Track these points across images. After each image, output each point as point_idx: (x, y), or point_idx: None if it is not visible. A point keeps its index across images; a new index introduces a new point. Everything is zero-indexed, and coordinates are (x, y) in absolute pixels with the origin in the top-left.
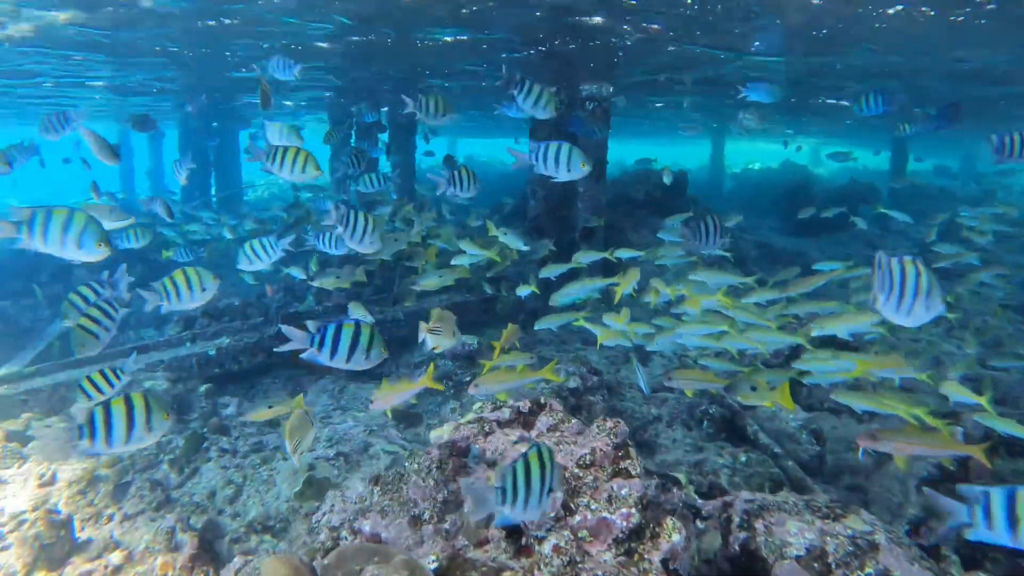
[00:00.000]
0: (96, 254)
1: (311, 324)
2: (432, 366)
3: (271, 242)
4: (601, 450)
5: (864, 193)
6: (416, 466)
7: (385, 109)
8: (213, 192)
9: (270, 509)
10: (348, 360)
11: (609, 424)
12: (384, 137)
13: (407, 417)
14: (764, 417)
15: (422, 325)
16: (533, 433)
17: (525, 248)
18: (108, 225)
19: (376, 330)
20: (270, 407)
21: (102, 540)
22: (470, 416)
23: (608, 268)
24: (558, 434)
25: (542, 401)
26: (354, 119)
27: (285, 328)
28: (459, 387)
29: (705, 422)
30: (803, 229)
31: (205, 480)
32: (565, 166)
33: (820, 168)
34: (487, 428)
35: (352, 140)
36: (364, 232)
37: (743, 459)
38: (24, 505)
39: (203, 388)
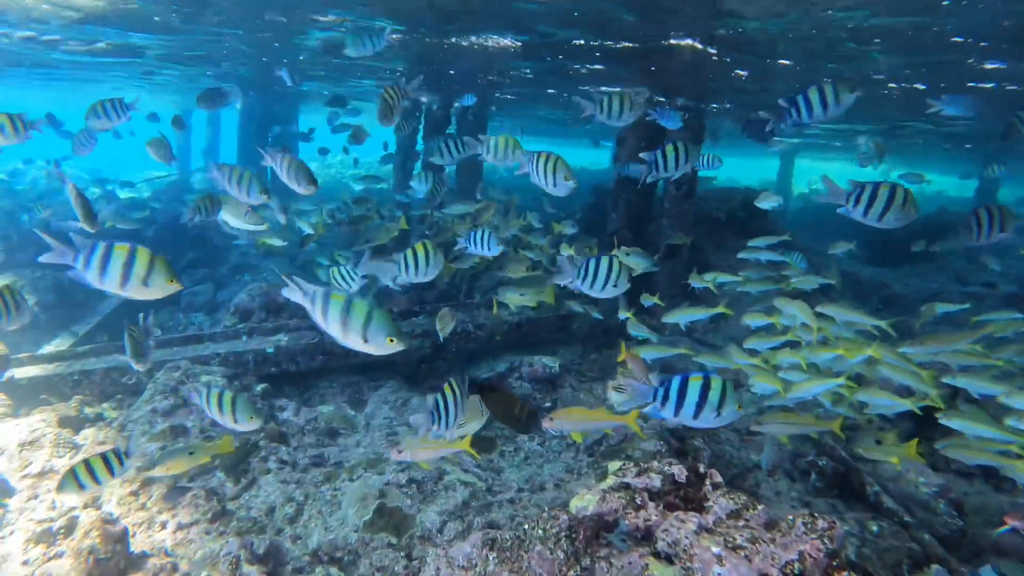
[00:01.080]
0: (165, 291)
1: (80, 239)
2: (470, 435)
3: (349, 272)
4: (811, 556)
5: (955, 224)
6: (541, 532)
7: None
8: (269, 177)
9: (336, 537)
10: (122, 285)
11: (821, 524)
12: (450, 130)
13: (478, 440)
14: (886, 477)
15: None
16: (709, 519)
17: (653, 268)
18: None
19: (158, 257)
20: (191, 453)
21: (158, 558)
22: (611, 481)
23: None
24: (743, 524)
25: (701, 470)
26: (423, 109)
27: (41, 233)
28: (537, 413)
29: (812, 474)
30: (886, 259)
31: (263, 494)
32: (552, 180)
33: None
34: (638, 500)
35: (420, 132)
36: (487, 241)
37: (874, 529)
38: (76, 500)
39: (259, 388)
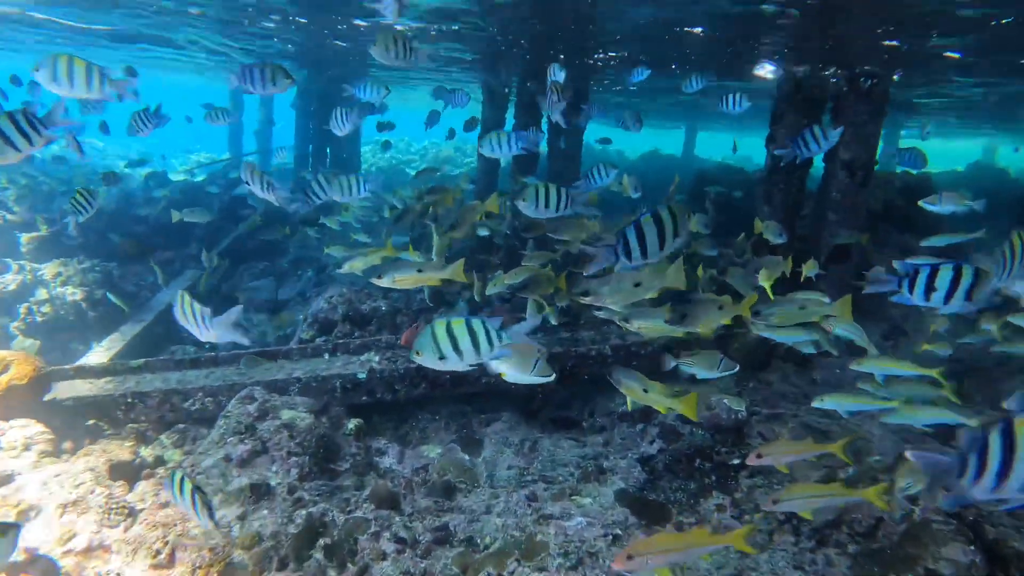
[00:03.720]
0: None
1: None
2: None
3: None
4: None
5: None
6: None
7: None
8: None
9: None
10: None
11: None
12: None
13: (647, 508)
14: None
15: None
16: None
17: (781, 240)
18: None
19: None
20: None
21: None
22: None
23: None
24: None
25: None
26: (512, 89)
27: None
28: (722, 472)
29: None
30: None
31: None
32: None
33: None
34: None
35: (510, 119)
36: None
37: None
38: None
39: (352, 425)
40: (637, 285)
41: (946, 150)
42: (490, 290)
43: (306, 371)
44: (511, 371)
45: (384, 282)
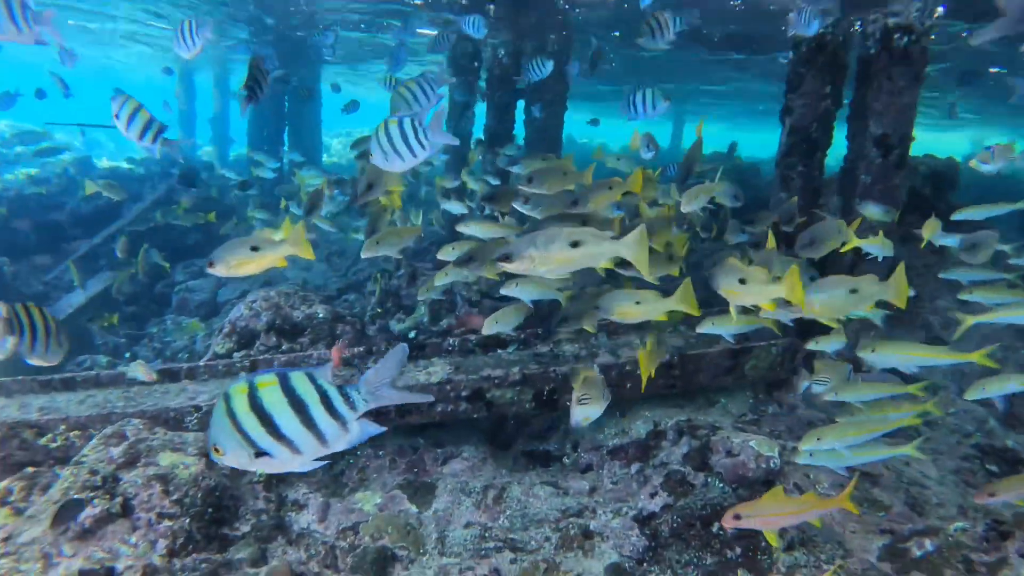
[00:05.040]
0: None
1: None
2: None
3: None
4: None
5: None
6: None
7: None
8: (286, 148)
9: None
10: None
11: None
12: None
13: None
14: None
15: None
16: None
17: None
18: None
19: None
20: None
21: None
22: None
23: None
24: None
25: None
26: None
27: None
28: (749, 543)
29: None
30: None
31: None
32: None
33: None
34: None
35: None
36: None
37: None
38: None
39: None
40: (574, 245)
41: (936, 145)
42: (423, 295)
43: (212, 395)
44: None
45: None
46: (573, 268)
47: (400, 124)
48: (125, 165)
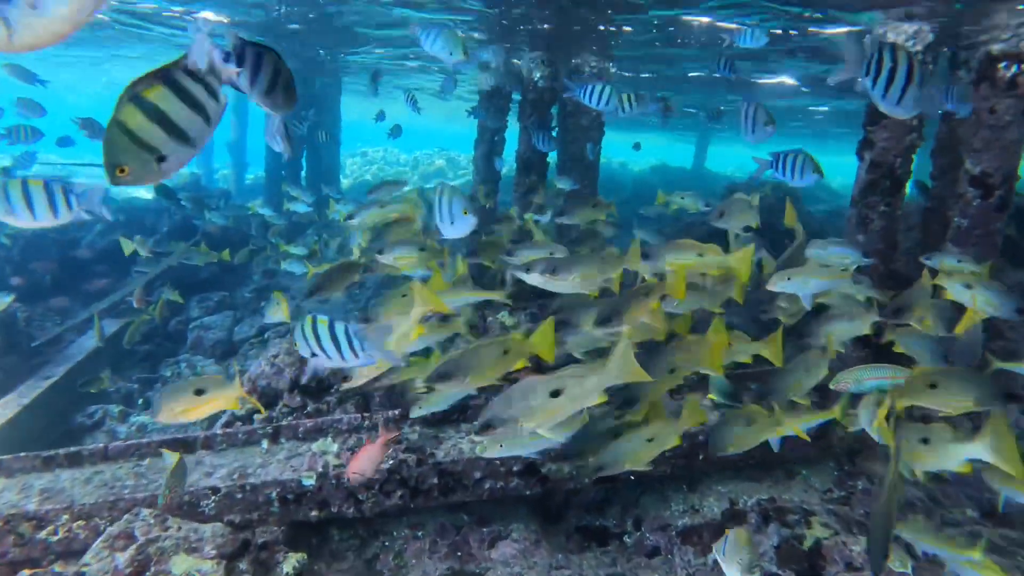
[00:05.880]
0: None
1: None
2: None
3: None
4: None
5: None
6: None
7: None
8: (304, 173)
9: None
10: None
11: None
12: (554, 110)
13: None
14: None
15: None
16: None
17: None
18: None
19: None
20: None
21: None
22: None
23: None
24: None
25: None
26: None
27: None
28: None
29: None
30: None
31: None
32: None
33: None
34: None
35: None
36: None
37: None
38: None
39: (293, 563)
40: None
41: None
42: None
43: (230, 471)
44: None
45: None
46: (564, 416)
47: (331, 327)
48: (144, 194)
